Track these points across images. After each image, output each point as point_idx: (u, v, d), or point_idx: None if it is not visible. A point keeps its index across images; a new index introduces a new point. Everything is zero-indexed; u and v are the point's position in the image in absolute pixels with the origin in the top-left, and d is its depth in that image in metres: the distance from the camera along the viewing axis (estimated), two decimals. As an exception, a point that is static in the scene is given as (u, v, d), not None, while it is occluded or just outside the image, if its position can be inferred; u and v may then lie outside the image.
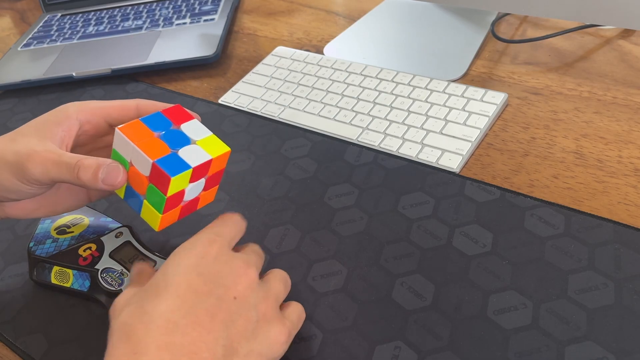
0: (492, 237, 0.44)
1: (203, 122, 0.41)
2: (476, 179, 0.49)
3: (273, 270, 0.39)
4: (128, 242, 0.45)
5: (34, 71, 0.76)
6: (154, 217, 0.38)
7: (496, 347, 0.37)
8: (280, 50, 0.72)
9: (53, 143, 0.39)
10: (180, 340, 0.30)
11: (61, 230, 0.47)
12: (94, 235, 0.46)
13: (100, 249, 0.45)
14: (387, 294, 0.41)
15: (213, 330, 0.31)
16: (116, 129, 0.37)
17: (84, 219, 0.48)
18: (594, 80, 0.58)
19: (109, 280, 0.42)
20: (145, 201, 0.38)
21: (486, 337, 0.37)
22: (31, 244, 0.46)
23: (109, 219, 0.49)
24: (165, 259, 0.43)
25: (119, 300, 0.34)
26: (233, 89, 0.67)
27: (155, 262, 0.43)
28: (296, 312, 0.38)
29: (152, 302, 0.31)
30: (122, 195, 0.39)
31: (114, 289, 0.42)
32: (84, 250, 0.45)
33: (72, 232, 0.47)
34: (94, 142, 0.44)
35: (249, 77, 0.68)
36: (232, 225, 0.38)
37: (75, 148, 0.42)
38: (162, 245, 0.48)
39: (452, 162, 0.51)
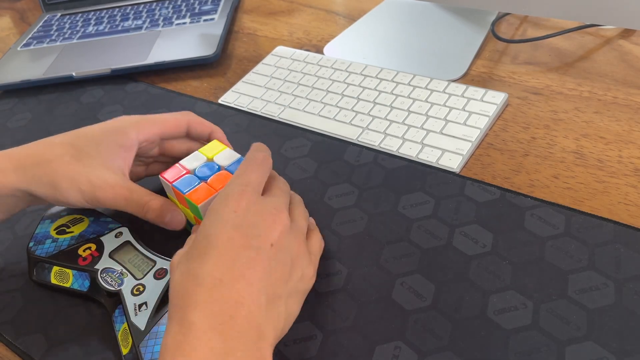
0: (492, 237, 0.44)
1: None
2: (476, 179, 0.49)
3: (294, 202, 0.41)
4: (128, 242, 0.45)
5: (34, 71, 0.76)
6: None
7: (496, 347, 0.37)
8: (280, 50, 0.72)
9: (119, 168, 0.44)
10: (227, 294, 0.32)
11: (61, 230, 0.47)
12: (94, 235, 0.46)
13: (100, 249, 0.45)
14: (387, 294, 0.41)
15: (255, 281, 0.33)
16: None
17: (83, 219, 0.48)
18: (594, 80, 0.58)
19: (108, 280, 0.42)
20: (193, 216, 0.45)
21: (486, 337, 0.37)
22: (31, 244, 0.46)
23: (109, 219, 0.49)
24: (165, 258, 0.43)
25: (174, 259, 0.36)
26: (233, 88, 0.67)
27: (155, 262, 0.43)
28: (317, 244, 0.41)
29: (197, 262, 0.33)
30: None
31: (113, 289, 0.42)
32: (84, 250, 0.45)
33: (72, 232, 0.47)
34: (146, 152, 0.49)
35: (249, 77, 0.68)
36: (257, 169, 0.39)
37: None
38: (162, 245, 0.48)
39: (452, 162, 0.51)
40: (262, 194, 0.39)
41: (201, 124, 0.49)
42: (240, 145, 0.58)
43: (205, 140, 0.51)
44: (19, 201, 0.44)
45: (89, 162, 0.43)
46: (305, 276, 0.38)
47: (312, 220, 0.45)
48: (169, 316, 0.33)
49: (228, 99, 0.65)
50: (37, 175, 0.42)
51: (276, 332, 0.34)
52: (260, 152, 0.41)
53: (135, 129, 0.46)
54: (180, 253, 0.37)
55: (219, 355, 0.30)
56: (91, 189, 0.42)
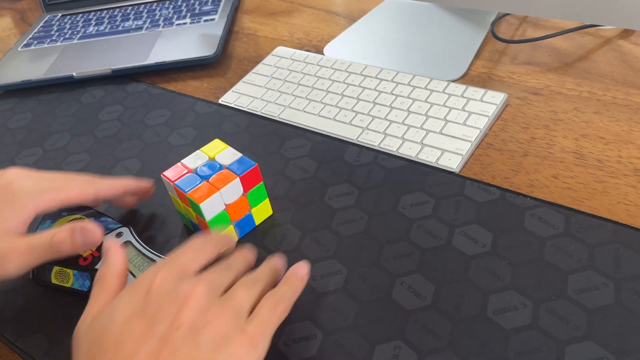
0: (492, 237, 0.44)
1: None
2: (476, 179, 0.49)
3: (243, 280, 0.36)
4: (128, 242, 0.45)
5: (34, 71, 0.76)
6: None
7: (496, 347, 0.37)
8: (280, 50, 0.72)
9: (12, 231, 0.40)
10: None
11: (61, 230, 0.47)
12: (94, 235, 0.46)
13: (101, 249, 0.45)
14: (387, 294, 0.41)
15: None
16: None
17: (84, 219, 0.48)
18: (594, 80, 0.58)
19: (109, 280, 0.42)
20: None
21: (486, 337, 0.37)
22: (31, 244, 0.46)
23: (110, 219, 0.49)
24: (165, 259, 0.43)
25: (79, 327, 0.34)
26: (233, 89, 0.67)
27: (155, 262, 0.43)
28: (265, 309, 0.34)
29: (95, 357, 0.31)
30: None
31: (114, 289, 0.42)
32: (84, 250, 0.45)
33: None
34: None
35: (249, 77, 0.68)
36: (192, 251, 0.36)
37: None
38: (163, 245, 0.48)
39: (452, 162, 0.51)
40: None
41: (111, 188, 0.46)
42: (240, 145, 0.58)
43: (123, 198, 0.49)
44: None
45: None
46: (234, 354, 0.31)
47: (283, 282, 0.38)
48: None
49: (228, 99, 0.65)
50: None
51: None
52: (202, 238, 0.37)
53: (33, 202, 0.42)
54: (82, 327, 0.34)
55: None
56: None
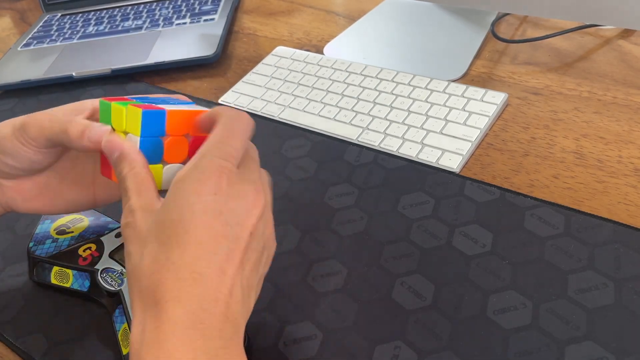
0: (492, 237, 0.44)
1: None
2: (476, 179, 0.49)
3: (262, 175, 0.36)
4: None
5: (34, 71, 0.76)
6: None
7: (496, 347, 0.37)
8: (280, 50, 0.72)
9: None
10: (206, 290, 0.30)
11: (61, 230, 0.47)
12: (94, 235, 0.46)
13: (100, 249, 0.45)
14: (387, 294, 0.41)
15: (232, 275, 0.31)
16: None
17: (83, 219, 0.48)
18: (594, 80, 0.58)
19: (108, 280, 0.42)
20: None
21: (486, 337, 0.37)
22: (31, 244, 0.46)
23: (109, 219, 0.49)
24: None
25: (127, 230, 0.33)
26: (233, 89, 0.67)
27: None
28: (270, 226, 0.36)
29: (174, 250, 0.30)
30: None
31: (114, 289, 0.42)
32: (84, 251, 0.45)
33: (72, 232, 0.47)
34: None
35: (249, 77, 0.68)
36: (238, 136, 0.35)
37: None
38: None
39: (452, 162, 0.51)
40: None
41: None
42: (240, 146, 0.58)
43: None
44: None
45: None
46: (270, 257, 0.35)
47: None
48: (135, 306, 0.30)
49: (228, 99, 0.65)
50: None
51: (246, 320, 0.33)
52: (241, 114, 0.36)
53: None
54: (135, 224, 0.32)
55: (202, 355, 0.28)
56: (19, 123, 0.39)
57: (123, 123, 0.36)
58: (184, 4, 0.86)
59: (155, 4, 0.89)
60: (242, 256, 0.31)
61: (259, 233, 0.33)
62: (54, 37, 0.84)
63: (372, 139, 0.55)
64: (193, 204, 0.31)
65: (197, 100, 0.66)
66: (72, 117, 0.38)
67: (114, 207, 0.53)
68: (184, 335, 0.28)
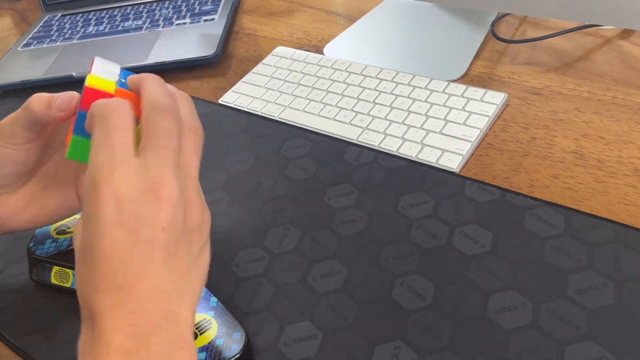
0: (492, 237, 0.44)
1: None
2: (476, 179, 0.49)
3: (182, 134, 0.34)
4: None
5: (34, 71, 0.76)
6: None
7: (496, 347, 0.37)
8: (280, 50, 0.72)
9: None
10: (132, 296, 0.29)
11: (61, 230, 0.47)
12: (94, 235, 0.46)
13: None
14: (387, 294, 0.41)
15: (157, 272, 0.30)
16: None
17: (83, 219, 0.48)
18: (594, 80, 0.58)
19: (108, 280, 0.42)
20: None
21: (486, 337, 0.37)
22: (31, 244, 0.46)
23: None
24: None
25: (75, 238, 0.33)
26: (233, 89, 0.67)
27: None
28: (194, 170, 0.34)
29: (91, 274, 0.30)
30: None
31: (113, 289, 0.41)
32: (84, 250, 0.45)
33: (72, 232, 0.47)
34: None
35: (249, 77, 0.68)
36: (119, 118, 0.32)
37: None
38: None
39: (452, 162, 0.51)
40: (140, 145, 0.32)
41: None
42: (240, 145, 0.58)
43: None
44: None
45: None
46: (201, 226, 0.33)
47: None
48: (81, 317, 0.31)
49: (228, 99, 0.65)
50: None
51: (193, 300, 0.32)
52: (111, 101, 0.33)
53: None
54: (76, 234, 0.32)
55: (134, 353, 0.28)
56: None
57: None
58: (184, 4, 0.86)
59: (155, 4, 0.89)
60: (163, 252, 0.30)
61: (175, 222, 0.31)
62: (54, 37, 0.84)
63: (372, 139, 0.55)
64: (93, 224, 0.30)
65: (196, 101, 0.66)
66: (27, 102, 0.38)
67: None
68: (114, 339, 0.28)
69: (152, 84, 0.35)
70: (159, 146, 0.32)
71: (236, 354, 0.37)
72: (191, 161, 0.34)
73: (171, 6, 0.87)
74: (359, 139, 0.55)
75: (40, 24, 0.89)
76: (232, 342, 0.38)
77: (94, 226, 0.30)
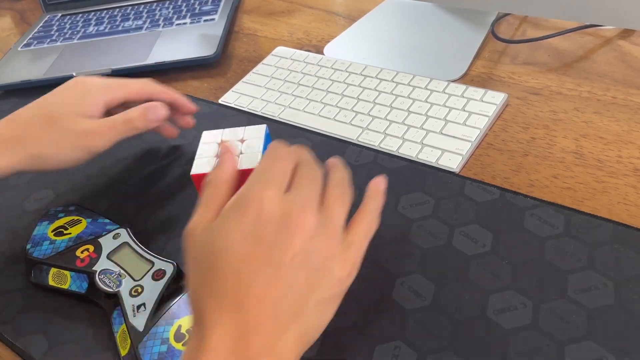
0: (492, 237, 0.44)
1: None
2: (476, 179, 0.49)
3: (330, 185, 0.36)
4: (126, 244, 0.45)
5: (34, 71, 0.76)
6: None
7: (496, 347, 0.37)
8: (280, 50, 0.72)
9: (91, 114, 0.48)
10: (246, 317, 0.30)
11: (58, 232, 0.47)
12: (92, 236, 0.46)
13: (98, 250, 0.45)
14: (387, 294, 0.41)
15: (274, 300, 0.31)
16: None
17: (81, 220, 0.48)
18: (594, 80, 0.58)
19: (106, 281, 0.42)
20: None
21: (486, 337, 0.37)
22: (28, 246, 0.46)
23: (107, 220, 0.49)
24: (163, 260, 0.43)
25: (192, 231, 0.35)
26: (233, 89, 0.67)
27: (153, 263, 0.43)
28: (362, 232, 0.36)
29: (215, 278, 0.31)
30: None
31: (111, 290, 0.42)
32: (82, 252, 0.45)
33: (70, 233, 0.47)
34: None
35: (249, 77, 0.68)
36: (281, 161, 0.36)
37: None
38: (161, 247, 0.48)
39: (452, 162, 0.51)
40: (289, 188, 0.35)
41: (163, 93, 0.52)
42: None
43: (165, 127, 0.56)
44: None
45: (65, 125, 0.47)
46: (336, 278, 0.34)
47: (369, 198, 0.38)
48: (192, 323, 0.32)
49: (228, 99, 0.65)
50: (26, 154, 0.46)
51: (301, 345, 0.32)
52: (281, 144, 0.38)
53: (103, 93, 0.49)
54: (195, 232, 0.34)
55: None
56: (82, 144, 0.47)
57: None
58: (184, 4, 0.86)
59: (155, 4, 0.89)
60: (286, 282, 0.31)
61: (307, 254, 0.32)
62: (54, 38, 0.84)
63: (372, 139, 0.55)
64: (233, 230, 0.32)
65: (197, 101, 0.66)
66: (124, 113, 0.49)
67: (112, 209, 0.53)
68: (218, 358, 0.29)
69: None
70: (307, 184, 0.35)
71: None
72: (335, 207, 0.35)
73: (171, 6, 0.87)
74: (359, 139, 0.55)
75: (41, 24, 0.90)
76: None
77: (228, 234, 0.32)
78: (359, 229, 0.36)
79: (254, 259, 0.31)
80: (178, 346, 0.38)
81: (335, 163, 0.39)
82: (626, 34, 0.64)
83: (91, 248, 0.45)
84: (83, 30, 0.85)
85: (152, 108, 0.49)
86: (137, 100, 0.51)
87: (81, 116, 0.47)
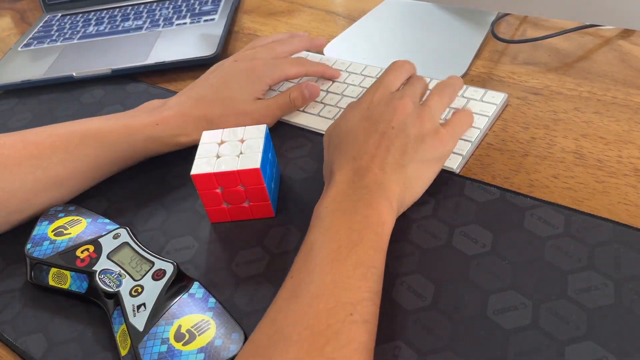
0: (492, 237, 0.44)
1: None
2: (476, 179, 0.49)
3: (434, 90, 0.50)
4: (126, 244, 0.45)
5: (34, 71, 0.76)
6: None
7: (496, 347, 0.37)
8: (280, 50, 0.71)
9: (260, 96, 0.58)
10: (360, 165, 0.43)
11: (58, 231, 0.47)
12: (92, 236, 0.46)
13: (98, 250, 0.45)
14: (387, 294, 0.41)
15: (379, 155, 0.43)
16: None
17: (81, 220, 0.48)
18: (594, 80, 0.58)
19: (106, 281, 0.42)
20: None
21: (486, 337, 0.37)
22: (28, 246, 0.46)
23: (107, 220, 0.49)
24: (163, 260, 0.43)
25: (329, 129, 0.49)
26: (233, 89, 0.67)
27: (153, 263, 0.43)
28: (460, 120, 0.49)
29: (343, 144, 0.46)
30: None
31: (112, 290, 0.41)
32: (82, 252, 0.45)
33: (70, 233, 0.47)
34: None
35: (248, 77, 0.68)
36: (394, 71, 0.50)
37: None
38: (161, 247, 0.48)
39: (452, 162, 0.51)
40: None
41: (316, 71, 0.62)
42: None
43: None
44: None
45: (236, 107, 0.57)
46: (431, 147, 0.45)
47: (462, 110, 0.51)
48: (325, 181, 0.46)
49: (228, 99, 0.65)
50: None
51: (402, 192, 0.43)
52: (404, 61, 0.52)
53: (268, 79, 0.58)
54: (330, 129, 0.49)
55: (347, 195, 0.41)
56: (255, 122, 0.57)
57: None
58: (184, 4, 0.87)
59: (155, 4, 0.89)
60: (387, 143, 0.44)
61: (404, 126, 0.44)
62: (54, 37, 0.84)
63: (371, 139, 0.55)
64: (353, 116, 0.47)
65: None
66: (284, 96, 0.58)
67: (112, 209, 0.53)
68: (340, 185, 0.42)
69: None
70: (412, 83, 0.50)
71: (234, 355, 0.37)
72: (433, 100, 0.48)
73: (171, 6, 0.87)
74: (359, 139, 0.55)
75: (41, 24, 0.90)
76: (231, 343, 0.38)
77: (353, 117, 0.47)
78: (453, 119, 0.49)
79: (366, 129, 0.45)
80: (178, 346, 0.38)
81: (451, 76, 0.52)
82: (626, 34, 0.64)
83: (91, 248, 0.45)
84: (83, 30, 0.85)
85: (309, 89, 0.58)
86: (294, 78, 0.62)
87: (253, 99, 0.57)
